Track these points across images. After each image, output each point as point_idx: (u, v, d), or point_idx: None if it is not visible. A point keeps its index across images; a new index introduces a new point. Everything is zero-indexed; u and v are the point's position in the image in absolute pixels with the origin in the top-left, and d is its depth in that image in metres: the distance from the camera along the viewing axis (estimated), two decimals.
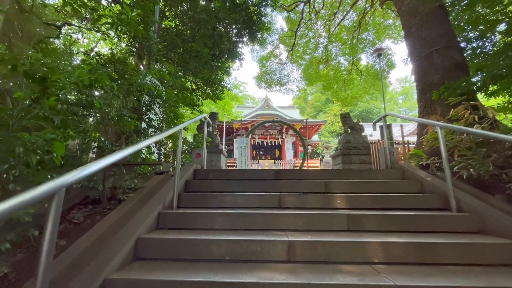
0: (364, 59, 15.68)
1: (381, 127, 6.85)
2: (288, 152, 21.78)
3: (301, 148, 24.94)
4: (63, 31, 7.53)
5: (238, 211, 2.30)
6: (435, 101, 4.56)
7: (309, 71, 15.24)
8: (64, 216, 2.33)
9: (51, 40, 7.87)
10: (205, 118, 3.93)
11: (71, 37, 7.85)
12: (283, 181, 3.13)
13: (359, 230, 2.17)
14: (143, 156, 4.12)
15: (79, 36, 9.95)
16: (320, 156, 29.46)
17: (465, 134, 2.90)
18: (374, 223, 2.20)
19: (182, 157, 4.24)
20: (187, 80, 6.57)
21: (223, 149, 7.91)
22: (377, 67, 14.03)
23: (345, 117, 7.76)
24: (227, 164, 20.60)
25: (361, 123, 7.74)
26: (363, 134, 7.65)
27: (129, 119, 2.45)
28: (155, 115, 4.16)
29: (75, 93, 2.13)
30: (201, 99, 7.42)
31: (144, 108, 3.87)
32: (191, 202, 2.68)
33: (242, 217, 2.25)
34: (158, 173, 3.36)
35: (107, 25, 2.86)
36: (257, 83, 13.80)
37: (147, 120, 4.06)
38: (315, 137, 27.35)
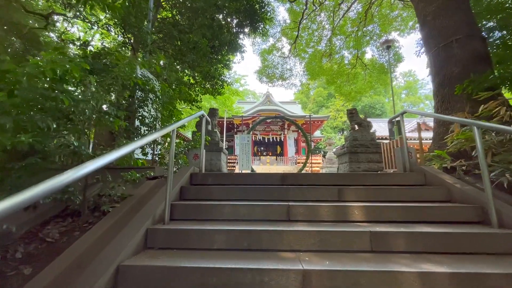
0: (370, 53, 15.18)
1: (390, 123, 6.44)
2: (290, 148, 21.42)
3: (303, 144, 24.58)
4: (56, 23, 7.11)
5: (240, 228, 1.95)
6: (455, 96, 4.16)
7: (312, 65, 14.75)
8: (37, 233, 1.99)
9: (46, 33, 7.45)
10: (202, 115, 3.56)
11: (55, 26, 7.40)
12: (290, 187, 2.78)
13: (385, 251, 1.83)
14: (136, 158, 3.77)
15: (72, 28, 9.49)
16: (322, 152, 29.09)
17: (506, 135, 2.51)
18: (402, 242, 1.85)
19: (178, 159, 3.89)
20: (184, 74, 6.18)
21: (224, 147, 7.56)
22: (383, 60, 13.54)
23: (352, 113, 7.36)
24: (228, 161, 20.28)
25: (369, 119, 7.34)
26: (371, 131, 7.27)
27: (111, 119, 2.09)
28: (148, 112, 3.79)
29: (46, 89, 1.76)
30: (200, 94, 7.04)
31: (136, 105, 3.49)
32: (186, 214, 2.34)
33: (245, 235, 1.90)
34: (151, 178, 3.01)
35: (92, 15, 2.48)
36: (258, 77, 13.35)
37: (140, 117, 3.70)
38: (317, 133, 26.95)
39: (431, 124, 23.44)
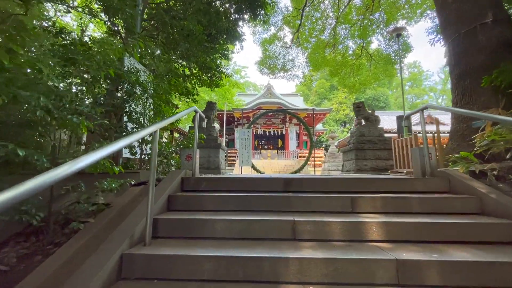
0: (375, 43, 14.52)
1: (406, 119, 5.99)
2: (292, 142, 21.02)
3: (304, 137, 24.16)
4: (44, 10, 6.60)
5: (235, 254, 1.59)
6: (478, 89, 3.73)
7: (315, 55, 14.15)
8: None
9: (44, 24, 6.94)
10: (195, 111, 3.15)
11: (41, 12, 6.89)
12: (295, 195, 2.40)
13: (415, 285, 1.46)
14: (125, 157, 3.40)
15: (66, 18, 8.95)
16: (324, 146, 28.65)
17: None
18: (435, 273, 1.48)
19: (170, 159, 3.51)
20: (179, 65, 5.72)
21: (223, 142, 7.17)
22: (390, 51, 12.92)
23: (359, 107, 6.92)
24: (229, 154, 19.95)
25: (376, 114, 6.90)
26: (379, 126, 6.85)
27: (74, 119, 1.69)
28: (138, 107, 3.39)
29: None
30: (196, 86, 6.60)
31: (120, 100, 3.09)
32: (172, 230, 1.98)
33: (241, 263, 1.54)
34: (135, 184, 2.64)
35: None
36: (259, 68, 12.82)
37: (128, 114, 3.30)
38: (319, 126, 26.47)
39: (438, 117, 22.87)
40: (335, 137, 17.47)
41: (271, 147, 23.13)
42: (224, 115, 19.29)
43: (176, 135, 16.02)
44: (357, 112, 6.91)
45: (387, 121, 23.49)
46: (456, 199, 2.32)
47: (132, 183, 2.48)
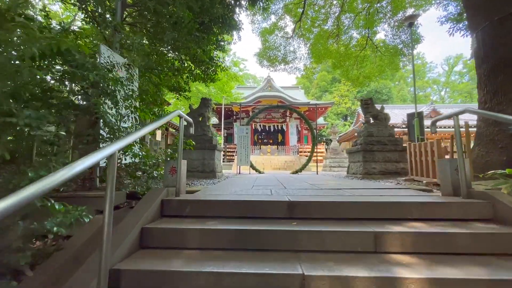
0: (382, 33, 13.70)
1: (409, 116, 5.45)
2: (292, 137, 20.49)
3: (305, 132, 23.60)
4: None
5: None
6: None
7: (318, 46, 13.42)
8: None
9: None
10: (179, 116, 2.60)
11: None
12: (302, 229, 1.89)
13: None
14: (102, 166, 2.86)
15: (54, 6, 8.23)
16: (324, 139, 28.08)
17: None
18: None
19: (150, 173, 2.98)
20: (169, 57, 5.11)
21: (218, 143, 6.63)
22: (397, 42, 12.19)
23: (367, 104, 6.35)
24: (227, 150, 19.43)
25: (386, 111, 6.34)
26: (389, 124, 6.30)
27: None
28: (109, 110, 2.84)
29: None
30: (190, 81, 6.00)
31: (91, 101, 2.54)
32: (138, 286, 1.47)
33: None
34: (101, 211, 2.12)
35: None
36: (258, 60, 12.13)
37: (102, 117, 2.75)
38: (320, 120, 25.86)
39: (442, 110, 22.22)
40: (337, 132, 16.91)
41: (271, 141, 22.62)
42: (222, 109, 18.66)
43: (172, 130, 15.44)
44: (365, 110, 6.35)
45: (391, 115, 22.85)
46: (509, 232, 1.81)
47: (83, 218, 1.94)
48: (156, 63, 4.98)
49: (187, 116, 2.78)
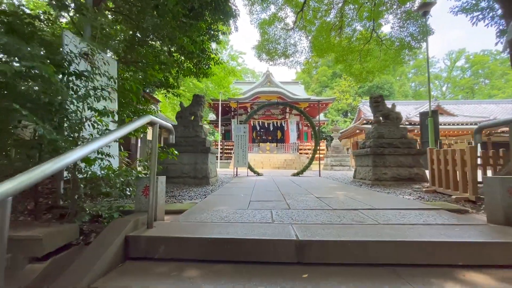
0: (387, 26, 12.98)
1: (422, 115, 4.85)
2: (292, 134, 19.89)
3: (305, 128, 22.99)
4: None
5: None
6: None
7: (320, 40, 12.72)
8: None
9: None
10: (151, 124, 2.00)
11: None
12: (317, 283, 1.31)
13: None
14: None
15: None
16: (324, 135, 27.48)
17: None
18: None
19: (122, 191, 2.39)
20: (154, 49, 4.47)
21: (212, 144, 6.03)
22: (404, 34, 11.50)
23: (377, 102, 5.75)
24: (225, 147, 18.83)
25: (398, 110, 5.75)
26: (401, 125, 5.71)
27: None
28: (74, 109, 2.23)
29: None
30: (180, 76, 5.36)
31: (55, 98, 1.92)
32: None
33: None
34: (39, 258, 1.53)
35: None
36: (257, 54, 11.44)
37: (66, 117, 2.15)
38: (320, 116, 25.24)
39: (446, 107, 21.66)
40: (338, 130, 16.33)
41: (270, 138, 22.02)
42: (219, 105, 17.97)
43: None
44: (375, 108, 5.74)
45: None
46: None
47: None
48: (140, 55, 4.34)
49: (163, 122, 2.18)
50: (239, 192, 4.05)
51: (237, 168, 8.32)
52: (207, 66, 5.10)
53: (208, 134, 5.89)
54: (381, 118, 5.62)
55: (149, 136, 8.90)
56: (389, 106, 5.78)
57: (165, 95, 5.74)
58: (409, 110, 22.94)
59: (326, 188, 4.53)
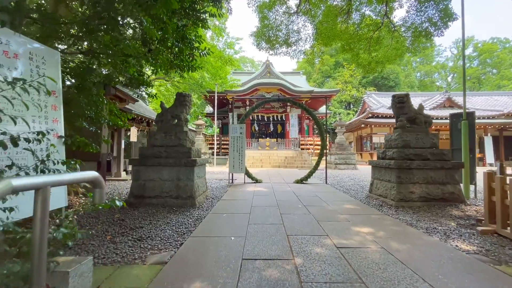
0: (401, 10, 11.66)
1: (453, 116, 3.86)
2: (293, 129, 18.82)
3: (307, 121, 21.91)
4: None
5: None
6: None
7: (326, 26, 11.45)
8: None
9: None
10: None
11: None
12: None
13: None
14: None
15: None
16: (327, 129, 26.31)
17: None
18: None
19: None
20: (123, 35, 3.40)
21: (200, 154, 5.04)
22: (420, 20, 10.23)
23: (401, 101, 4.72)
24: (223, 143, 17.82)
25: (426, 113, 4.71)
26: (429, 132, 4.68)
27: None
28: None
29: None
30: (159, 69, 4.28)
31: None
32: None
33: None
34: None
35: None
36: (255, 42, 10.22)
37: None
38: (322, 109, 24.11)
39: (457, 99, 20.47)
40: (343, 125, 15.28)
41: (270, 132, 20.97)
42: (215, 97, 16.79)
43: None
44: (399, 109, 4.70)
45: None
46: None
47: None
48: (100, 42, 3.26)
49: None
50: (230, 229, 3.10)
51: (232, 175, 7.36)
52: (190, 57, 4.02)
53: (194, 141, 4.87)
54: (406, 122, 4.59)
55: (133, 137, 7.84)
56: (416, 106, 4.74)
57: (137, 95, 4.69)
58: (415, 103, 21.79)
59: (343, 218, 3.57)
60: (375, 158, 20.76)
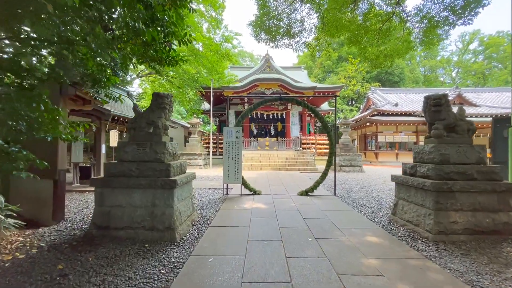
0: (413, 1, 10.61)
1: (496, 121, 2.88)
2: (294, 127, 17.86)
3: (308, 118, 20.93)
4: None
5: None
6: None
7: (332, 15, 10.38)
8: None
9: None
10: None
11: None
12: None
13: None
14: None
15: None
16: (329, 126, 25.34)
17: None
18: None
19: None
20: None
21: (185, 168, 4.09)
22: (440, 7, 9.17)
23: (438, 104, 3.74)
24: (219, 141, 16.85)
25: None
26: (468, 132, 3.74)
27: None
28: None
29: None
30: (126, 63, 3.28)
31: None
32: None
33: None
34: None
35: None
36: (254, 32, 9.18)
37: None
38: (324, 105, 23.10)
39: (468, 96, 19.45)
40: (348, 124, 14.30)
41: (269, 130, 19.99)
42: (211, 94, 15.74)
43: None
44: (434, 114, 3.73)
45: (406, 101, 20.03)
46: None
47: None
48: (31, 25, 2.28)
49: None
50: (220, 276, 2.17)
51: (227, 186, 6.42)
52: (166, 47, 3.02)
53: (177, 153, 3.91)
54: (443, 130, 3.63)
55: (114, 142, 6.84)
56: (455, 110, 3.77)
57: (96, 97, 3.70)
58: (420, 100, 20.85)
59: (371, 267, 2.65)
60: (381, 158, 19.72)
